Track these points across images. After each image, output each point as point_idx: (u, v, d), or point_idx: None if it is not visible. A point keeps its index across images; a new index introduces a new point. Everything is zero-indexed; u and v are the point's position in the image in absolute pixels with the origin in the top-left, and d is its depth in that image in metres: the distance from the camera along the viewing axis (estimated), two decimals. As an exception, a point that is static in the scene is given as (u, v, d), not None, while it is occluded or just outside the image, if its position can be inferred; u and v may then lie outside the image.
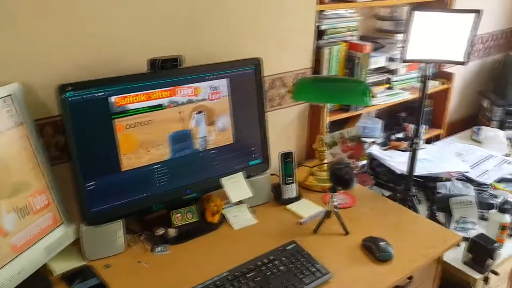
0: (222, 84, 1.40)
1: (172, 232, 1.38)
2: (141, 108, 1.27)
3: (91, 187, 1.22)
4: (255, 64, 1.46)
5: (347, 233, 1.40)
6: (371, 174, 1.95)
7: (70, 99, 1.15)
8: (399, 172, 1.87)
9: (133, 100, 1.25)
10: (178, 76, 1.32)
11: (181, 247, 1.35)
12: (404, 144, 2.14)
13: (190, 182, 1.40)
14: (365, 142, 1.96)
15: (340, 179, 1.27)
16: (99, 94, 1.20)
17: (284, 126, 1.81)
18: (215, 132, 1.42)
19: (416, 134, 1.61)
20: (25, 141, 1.14)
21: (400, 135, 2.21)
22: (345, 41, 1.86)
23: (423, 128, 1.67)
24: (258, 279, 1.17)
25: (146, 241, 1.36)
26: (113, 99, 1.22)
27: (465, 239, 1.51)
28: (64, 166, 1.26)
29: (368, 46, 1.83)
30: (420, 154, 1.78)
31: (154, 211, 1.42)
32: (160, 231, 1.38)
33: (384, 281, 1.22)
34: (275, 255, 1.26)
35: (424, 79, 1.59)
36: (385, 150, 2.12)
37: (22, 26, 1.16)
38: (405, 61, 1.55)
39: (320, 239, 1.38)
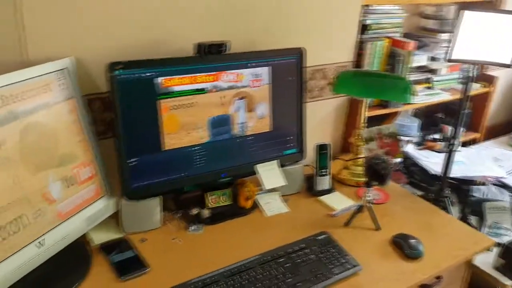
0: (264, 72, 1.42)
1: (206, 213, 1.41)
2: (185, 90, 1.30)
3: (133, 164, 1.27)
4: (298, 54, 1.47)
5: (378, 228, 1.41)
6: (404, 172, 1.94)
7: (119, 77, 1.20)
8: (433, 172, 1.85)
9: (179, 83, 1.29)
10: (222, 62, 1.34)
11: (214, 228, 1.38)
12: (440, 145, 2.12)
13: (226, 166, 1.43)
14: (401, 140, 1.94)
15: (377, 173, 1.28)
16: (147, 74, 1.24)
17: (321, 118, 1.82)
18: (254, 119, 1.44)
19: (454, 135, 1.59)
20: (75, 114, 1.19)
21: (436, 136, 2.19)
22: (388, 37, 1.85)
23: (461, 130, 1.65)
24: (287, 265, 1.20)
25: (181, 220, 1.40)
26: (159, 80, 1.25)
27: (498, 244, 1.50)
28: (109, 142, 1.31)
29: (412, 43, 1.81)
30: (456, 157, 1.76)
31: (189, 191, 1.45)
32: (195, 211, 1.41)
33: (412, 278, 1.22)
34: (306, 244, 1.28)
35: (466, 81, 1.57)
36: (420, 149, 2.10)
37: (79, 2, 1.20)
38: (449, 60, 1.53)
39: (350, 232, 1.39)
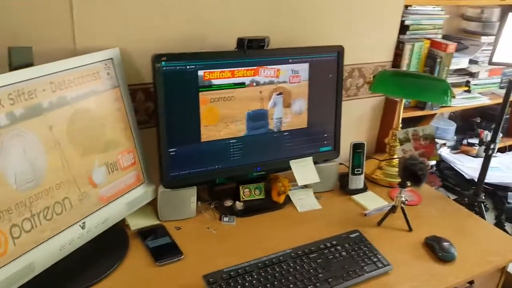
0: (303, 68, 1.43)
1: (239, 205, 1.44)
2: (225, 84, 1.33)
3: (173, 153, 1.30)
4: (338, 51, 1.48)
5: (410, 229, 1.40)
6: (438, 175, 1.92)
7: (164, 68, 1.23)
8: (468, 177, 1.83)
9: (219, 76, 1.31)
10: (262, 57, 1.37)
11: (247, 220, 1.41)
12: (475, 150, 2.09)
13: (260, 160, 1.45)
14: (436, 143, 1.93)
15: (413, 174, 1.27)
16: (190, 67, 1.27)
17: (356, 117, 1.82)
18: (291, 114, 1.46)
19: (494, 140, 1.57)
20: (120, 103, 1.23)
21: (472, 140, 2.15)
22: (428, 39, 1.83)
23: (499, 135, 1.63)
24: (319, 260, 1.21)
25: (215, 210, 1.43)
26: (201, 73, 1.29)
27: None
28: (148, 131, 1.35)
29: (452, 45, 1.79)
30: (492, 162, 1.73)
31: (223, 183, 1.48)
32: (229, 203, 1.44)
33: (444, 281, 1.22)
34: (338, 241, 1.29)
35: (509, 85, 1.54)
36: (455, 153, 2.07)
37: (127, -4, 1.25)
38: (491, 63, 1.51)
39: (382, 232, 1.40)
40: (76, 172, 1.10)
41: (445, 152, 2.01)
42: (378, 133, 1.91)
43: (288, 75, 1.42)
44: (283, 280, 1.13)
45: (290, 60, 1.41)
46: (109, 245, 1.22)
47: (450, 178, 1.90)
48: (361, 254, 1.25)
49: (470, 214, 1.54)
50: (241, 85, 1.35)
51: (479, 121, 2.24)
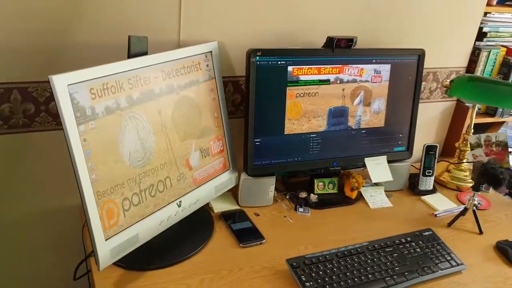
0: (385, 69, 1.48)
1: (314, 197, 1.50)
2: (311, 80, 1.39)
3: (258, 143, 1.38)
4: (419, 54, 1.52)
5: (481, 232, 1.43)
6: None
7: (258, 62, 1.31)
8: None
9: (306, 72, 1.38)
10: (348, 56, 1.42)
11: (320, 213, 1.47)
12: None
13: (338, 156, 1.51)
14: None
15: (494, 177, 1.30)
16: (281, 62, 1.34)
17: (427, 120, 1.85)
18: (370, 113, 1.51)
19: None
20: (215, 93, 1.31)
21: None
22: (504, 46, 1.83)
23: None
24: (395, 255, 1.26)
25: (291, 201, 1.50)
26: (291, 68, 1.35)
27: None
28: (234, 121, 1.43)
29: (529, 54, 1.79)
30: None
31: (298, 175, 1.55)
32: (303, 195, 1.51)
33: (516, 285, 1.25)
34: (412, 238, 1.33)
35: None
36: (521, 162, 2.06)
37: (227, -7, 1.33)
38: None
39: (453, 233, 1.43)
40: (177, 154, 1.19)
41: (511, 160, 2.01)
42: (446, 137, 1.93)
43: (371, 75, 1.47)
44: (361, 270, 1.19)
45: (374, 61, 1.46)
46: (198, 225, 1.31)
47: (516, 187, 1.90)
48: (435, 251, 1.29)
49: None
50: (326, 82, 1.41)
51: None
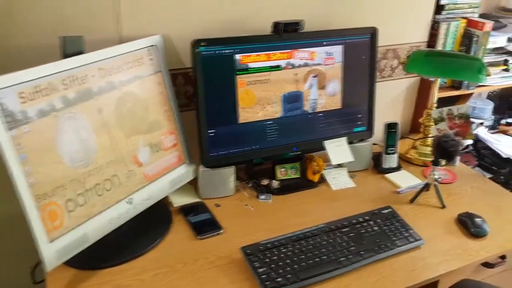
0: (337, 50, 1.47)
1: (275, 184, 1.50)
2: (261, 67, 1.38)
3: (212, 134, 1.38)
4: (371, 33, 1.50)
5: (443, 206, 1.43)
6: (474, 155, 1.92)
7: (203, 53, 1.30)
8: (504, 155, 1.82)
9: (255, 59, 1.37)
10: (297, 40, 1.41)
11: (282, 198, 1.47)
12: (515, 130, 2.06)
13: (296, 141, 1.51)
14: (473, 122, 1.92)
15: (445, 151, 1.30)
16: (228, 51, 1.33)
17: (391, 98, 1.84)
18: (325, 96, 1.50)
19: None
20: (162, 87, 1.31)
21: (511, 120, 2.12)
22: (464, 18, 1.81)
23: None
24: (351, 234, 1.26)
25: (252, 189, 1.50)
26: (238, 56, 1.34)
27: None
28: (189, 114, 1.42)
29: (489, 24, 1.77)
30: (532, 141, 1.72)
31: (261, 163, 1.54)
32: (265, 182, 1.51)
33: (475, 256, 1.24)
34: (370, 216, 1.33)
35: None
36: (493, 133, 2.05)
37: (167, -15, 1.32)
38: None
39: (415, 209, 1.43)
40: (123, 151, 1.19)
41: (482, 131, 2.00)
42: (414, 114, 1.92)
43: (323, 57, 1.46)
44: (316, 252, 1.19)
45: (324, 43, 1.45)
46: (154, 220, 1.31)
47: (486, 157, 1.89)
48: (393, 229, 1.29)
49: (505, 192, 1.54)
50: (277, 68, 1.40)
51: (519, 100, 2.20)
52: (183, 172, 1.38)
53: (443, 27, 1.75)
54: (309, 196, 1.49)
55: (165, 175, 1.32)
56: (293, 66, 1.42)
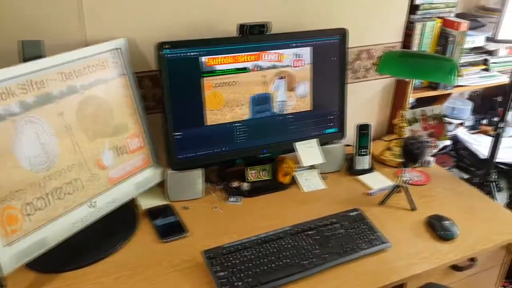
0: (306, 52, 1.46)
1: (246, 186, 1.50)
2: (228, 69, 1.38)
3: (179, 137, 1.38)
4: (341, 34, 1.50)
5: (413, 209, 1.42)
6: (453, 156, 1.91)
7: (167, 56, 1.30)
8: (482, 156, 1.81)
9: (222, 62, 1.36)
10: (264, 42, 1.40)
11: (252, 200, 1.47)
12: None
13: (266, 143, 1.50)
14: (451, 123, 1.91)
15: (410, 153, 1.29)
16: (193, 53, 1.33)
17: (367, 99, 1.84)
18: (295, 98, 1.50)
19: (502, 118, 1.55)
20: (127, 90, 1.31)
21: (493, 120, 2.11)
22: (440, 17, 1.81)
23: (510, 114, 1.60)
24: (317, 237, 1.26)
25: (223, 191, 1.50)
26: (204, 59, 1.34)
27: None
28: (157, 116, 1.42)
29: (464, 23, 1.76)
30: (509, 141, 1.71)
31: (233, 165, 1.54)
32: (236, 184, 1.50)
33: (443, 259, 1.24)
34: (337, 219, 1.33)
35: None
36: (473, 133, 2.05)
37: (132, -12, 1.31)
38: (496, 41, 1.49)
39: (385, 211, 1.42)
40: (86, 155, 1.19)
41: (461, 132, 1.99)
42: (390, 115, 1.91)
43: (292, 59, 1.45)
44: (280, 255, 1.18)
45: (293, 45, 1.44)
46: (120, 223, 1.31)
47: (465, 159, 1.88)
48: (359, 232, 1.29)
49: (478, 194, 1.54)
50: (244, 70, 1.40)
51: (500, 100, 2.18)
52: (150, 175, 1.38)
53: (418, 27, 1.74)
54: (279, 198, 1.48)
55: (130, 178, 1.32)
56: (261, 68, 1.42)
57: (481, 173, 1.71)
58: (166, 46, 1.29)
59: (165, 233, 1.28)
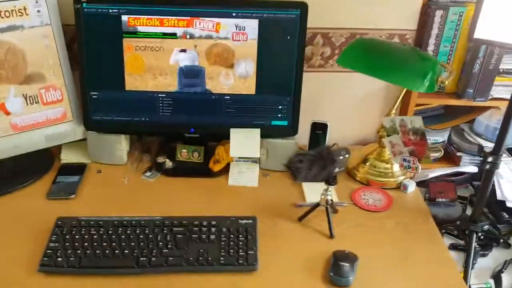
0: (251, 25, 1.24)
1: (169, 164, 1.38)
2: (152, 32, 1.25)
3: (95, 97, 1.32)
4: (300, 9, 1.23)
5: (331, 236, 1.14)
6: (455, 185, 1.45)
7: (85, 9, 1.23)
8: (500, 197, 1.36)
9: (145, 23, 1.24)
10: (198, 7, 1.23)
11: (168, 180, 1.35)
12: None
13: (194, 121, 1.35)
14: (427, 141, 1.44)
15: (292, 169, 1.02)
16: (113, 10, 1.23)
17: (363, 97, 1.50)
18: (234, 77, 1.30)
19: (496, 152, 1.12)
20: (50, 40, 1.28)
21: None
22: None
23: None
24: (180, 236, 1.09)
25: (146, 163, 1.40)
26: (125, 18, 1.24)
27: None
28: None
29: None
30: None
31: (176, 139, 1.42)
32: (161, 159, 1.39)
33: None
34: (220, 223, 1.13)
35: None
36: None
37: None
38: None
39: (299, 229, 1.17)
40: (-12, 96, 1.21)
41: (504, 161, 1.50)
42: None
43: (231, 31, 1.25)
44: (122, 244, 1.07)
45: (234, 14, 1.24)
46: (29, 171, 1.33)
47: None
48: (232, 243, 1.08)
49: (437, 240, 1.15)
50: (172, 35, 1.25)
51: None
52: (68, 130, 1.35)
53: (436, 13, 1.34)
54: (197, 185, 1.33)
55: (42, 128, 1.32)
56: (193, 37, 1.25)
57: (465, 216, 1.27)
58: (84, 0, 1.22)
59: (55, 191, 1.26)
